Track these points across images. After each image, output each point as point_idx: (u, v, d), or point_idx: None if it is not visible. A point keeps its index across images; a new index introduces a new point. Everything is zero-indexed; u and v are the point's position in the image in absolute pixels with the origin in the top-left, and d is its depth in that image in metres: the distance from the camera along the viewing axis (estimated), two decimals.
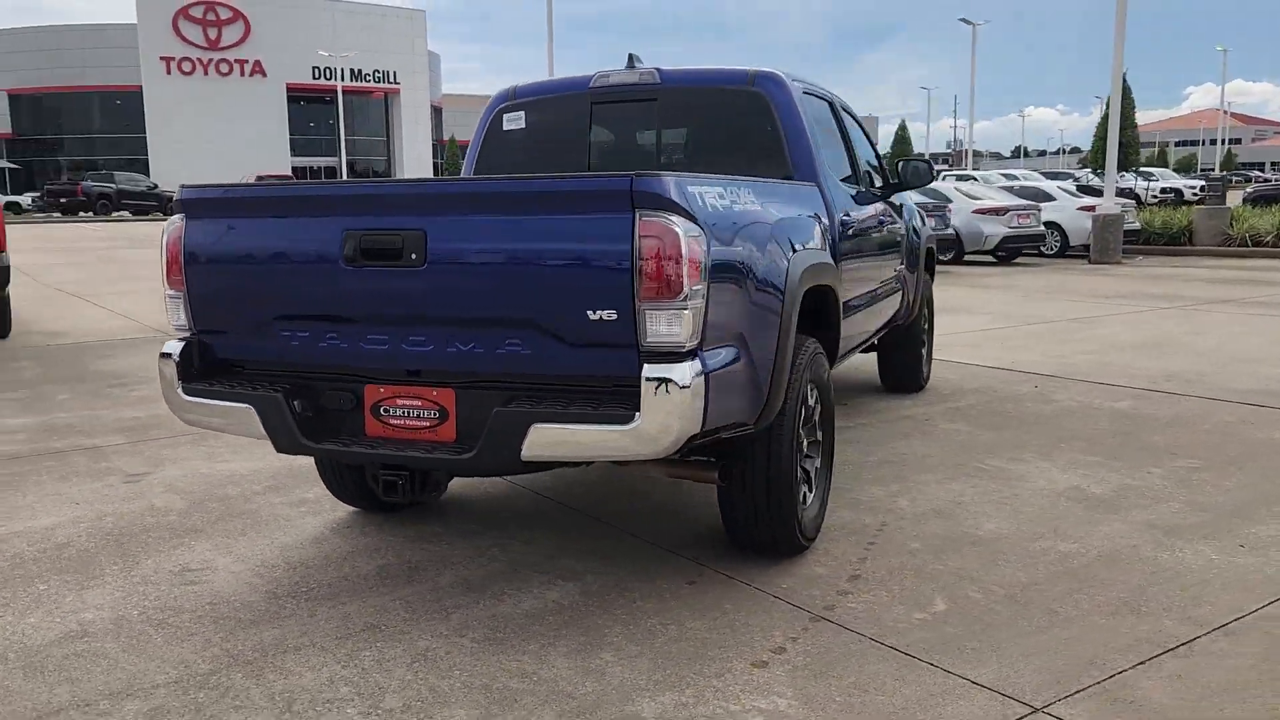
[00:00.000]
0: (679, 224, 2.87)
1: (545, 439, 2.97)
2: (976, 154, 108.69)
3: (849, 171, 5.26)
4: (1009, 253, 18.98)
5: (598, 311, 2.92)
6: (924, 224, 6.84)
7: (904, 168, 6.03)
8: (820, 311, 4.26)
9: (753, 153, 4.59)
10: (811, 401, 3.97)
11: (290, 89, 65.00)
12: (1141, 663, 3.04)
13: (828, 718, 2.76)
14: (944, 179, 23.84)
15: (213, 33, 62.97)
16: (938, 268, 8.03)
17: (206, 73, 63.07)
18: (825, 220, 4.38)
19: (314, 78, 64.74)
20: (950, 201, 18.32)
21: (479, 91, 43.38)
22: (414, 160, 69.32)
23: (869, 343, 6.17)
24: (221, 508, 4.62)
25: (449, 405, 3.18)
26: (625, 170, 4.43)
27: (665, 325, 2.89)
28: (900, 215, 6.20)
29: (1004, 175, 32.60)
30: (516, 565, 3.89)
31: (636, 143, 4.80)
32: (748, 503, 3.68)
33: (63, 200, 44.68)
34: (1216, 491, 4.67)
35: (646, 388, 2.87)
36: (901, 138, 73.27)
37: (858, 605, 3.47)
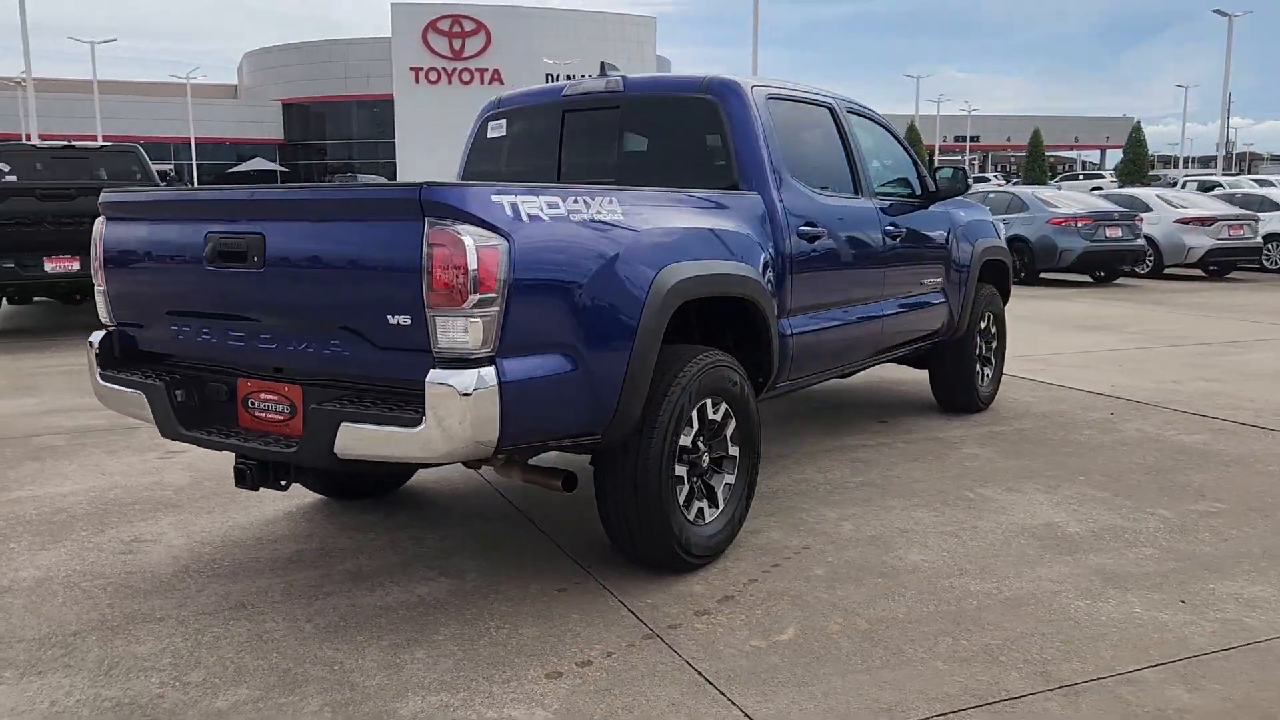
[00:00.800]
0: (468, 233, 2.92)
1: (352, 437, 3.09)
2: (1255, 157, 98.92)
3: (841, 180, 5.06)
4: (1220, 267, 17.36)
5: (396, 317, 3.01)
6: (986, 235, 6.44)
7: (939, 177, 5.76)
8: (748, 325, 4.16)
9: (701, 160, 4.53)
10: (714, 415, 3.88)
11: None
12: (942, 714, 2.81)
13: None
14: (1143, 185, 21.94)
15: (457, 44, 66.77)
16: (1132, 281, 7.53)
17: (450, 82, 66.94)
18: (766, 231, 4.26)
19: (547, 84, 67.37)
20: (1148, 209, 16.95)
21: None
22: None
23: (895, 357, 5.91)
24: (215, 486, 5.01)
25: (298, 401, 3.35)
26: (592, 177, 4.57)
27: (454, 332, 2.94)
28: (940, 226, 5.90)
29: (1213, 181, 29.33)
30: (415, 559, 4.02)
31: (600, 150, 4.82)
32: (618, 514, 3.66)
33: None
34: (1212, 540, 4.19)
35: (429, 393, 2.94)
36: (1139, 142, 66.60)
37: (704, 627, 3.38)
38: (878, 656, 3.16)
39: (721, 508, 3.98)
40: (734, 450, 4.03)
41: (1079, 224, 15.58)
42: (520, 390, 3.07)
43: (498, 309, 2.98)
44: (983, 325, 6.53)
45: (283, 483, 3.47)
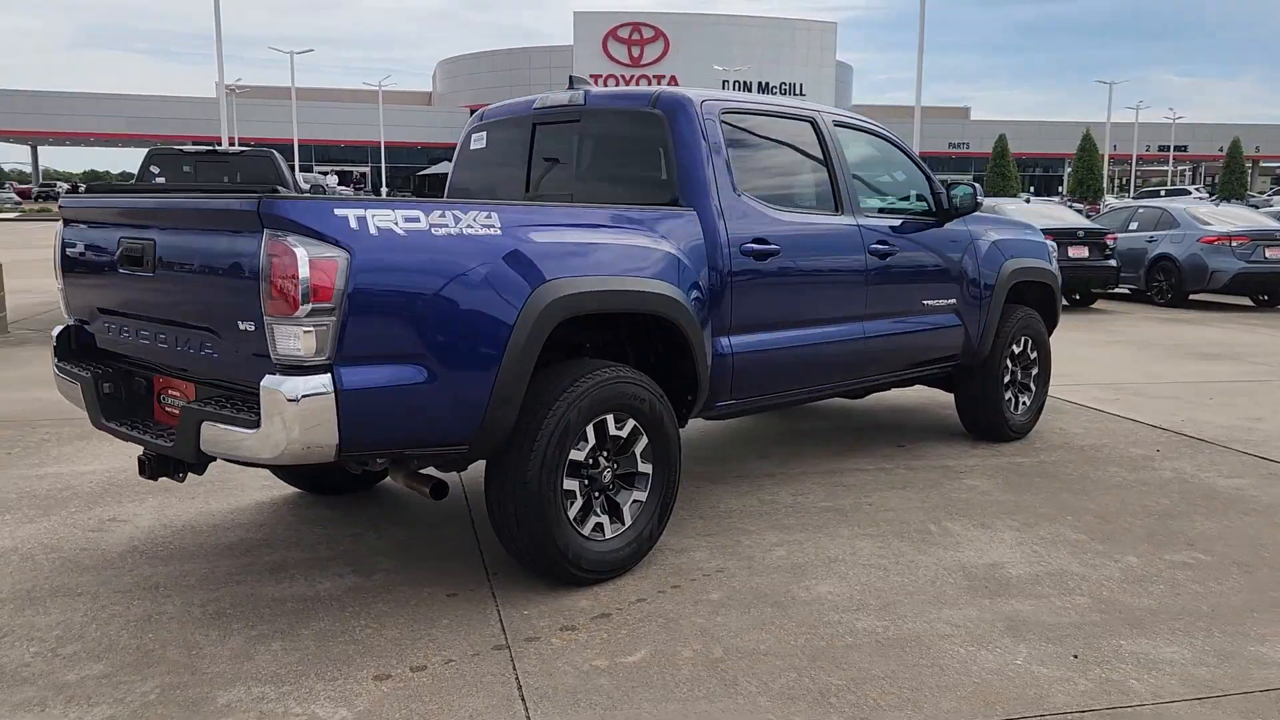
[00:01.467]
0: (302, 245, 3.04)
1: (210, 435, 3.26)
2: None
3: (816, 197, 4.94)
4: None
5: (244, 323, 3.16)
6: (1020, 256, 6.12)
7: (954, 194, 5.54)
8: (673, 342, 4.13)
9: (646, 175, 4.51)
10: (619, 431, 3.87)
11: None
12: None
13: None
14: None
15: (636, 51, 67.91)
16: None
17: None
18: (699, 248, 4.21)
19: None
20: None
21: (907, 102, 42.85)
22: None
23: (905, 379, 5.70)
24: (210, 474, 5.33)
25: (191, 398, 3.56)
26: (553, 190, 4.64)
27: (289, 340, 3.07)
28: (956, 246, 5.65)
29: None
30: (341, 556, 4.19)
31: (563, 163, 4.87)
32: (503, 525, 3.71)
33: None
34: (1163, 594, 3.86)
35: (263, 397, 3.08)
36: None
37: (559, 643, 3.39)
38: (707, 687, 3.09)
39: (628, 524, 3.96)
40: (645, 468, 4.00)
41: (1234, 243, 14.42)
42: (361, 398, 3.16)
43: (334, 319, 3.09)
44: (1016, 349, 6.20)
45: (180, 475, 3.68)
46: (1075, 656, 3.32)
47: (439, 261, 3.34)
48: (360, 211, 3.19)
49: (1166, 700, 3.03)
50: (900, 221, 5.39)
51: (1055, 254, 6.68)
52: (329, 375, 3.10)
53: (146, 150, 13.06)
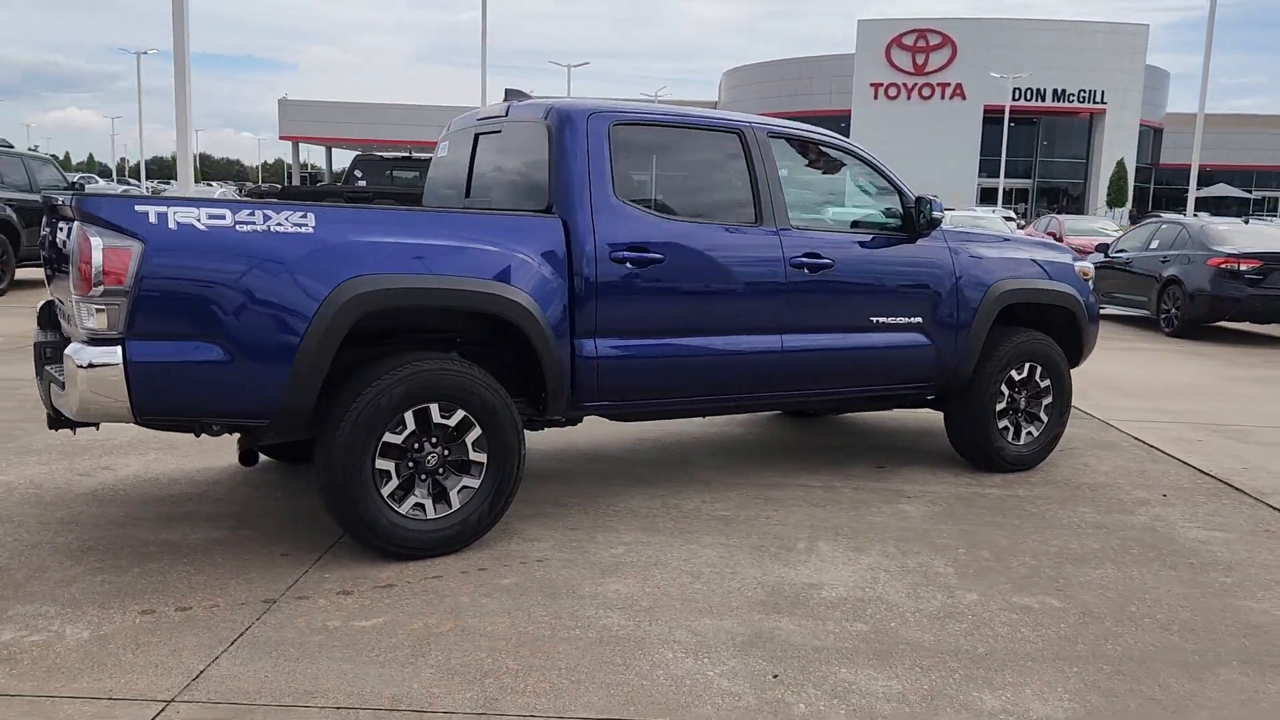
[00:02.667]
0: (99, 235, 3.58)
1: (52, 393, 3.89)
2: None
3: (732, 208, 4.98)
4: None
5: (71, 298, 3.75)
6: (1016, 275, 5.77)
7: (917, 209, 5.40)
8: (522, 344, 4.35)
9: (532, 184, 4.73)
10: (445, 420, 4.16)
11: (988, 110, 65.42)
12: (327, 707, 2.99)
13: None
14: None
15: (920, 58, 65.97)
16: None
17: (910, 97, 66.35)
18: (558, 254, 4.40)
19: (1014, 99, 64.29)
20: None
21: (1253, 110, 39.51)
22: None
23: (864, 397, 5.57)
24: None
25: None
26: (479, 195, 5.03)
27: (87, 316, 3.62)
28: (926, 262, 5.46)
29: None
30: (236, 514, 4.73)
31: (487, 171, 5.16)
32: (321, 494, 4.10)
33: None
34: (957, 632, 3.66)
35: (64, 363, 3.65)
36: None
37: (324, 603, 3.74)
38: (397, 654, 3.34)
39: (455, 508, 4.24)
40: (478, 456, 4.26)
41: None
42: (150, 370, 3.66)
43: (126, 299, 3.60)
44: (1016, 375, 5.84)
45: (72, 428, 4.31)
46: (775, 676, 3.28)
47: (240, 255, 3.77)
48: (161, 208, 3.69)
49: None
50: (849, 235, 5.29)
51: (1084, 276, 6.20)
52: (119, 348, 3.62)
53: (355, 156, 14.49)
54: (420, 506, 4.19)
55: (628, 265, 4.56)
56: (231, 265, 3.77)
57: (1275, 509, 5.35)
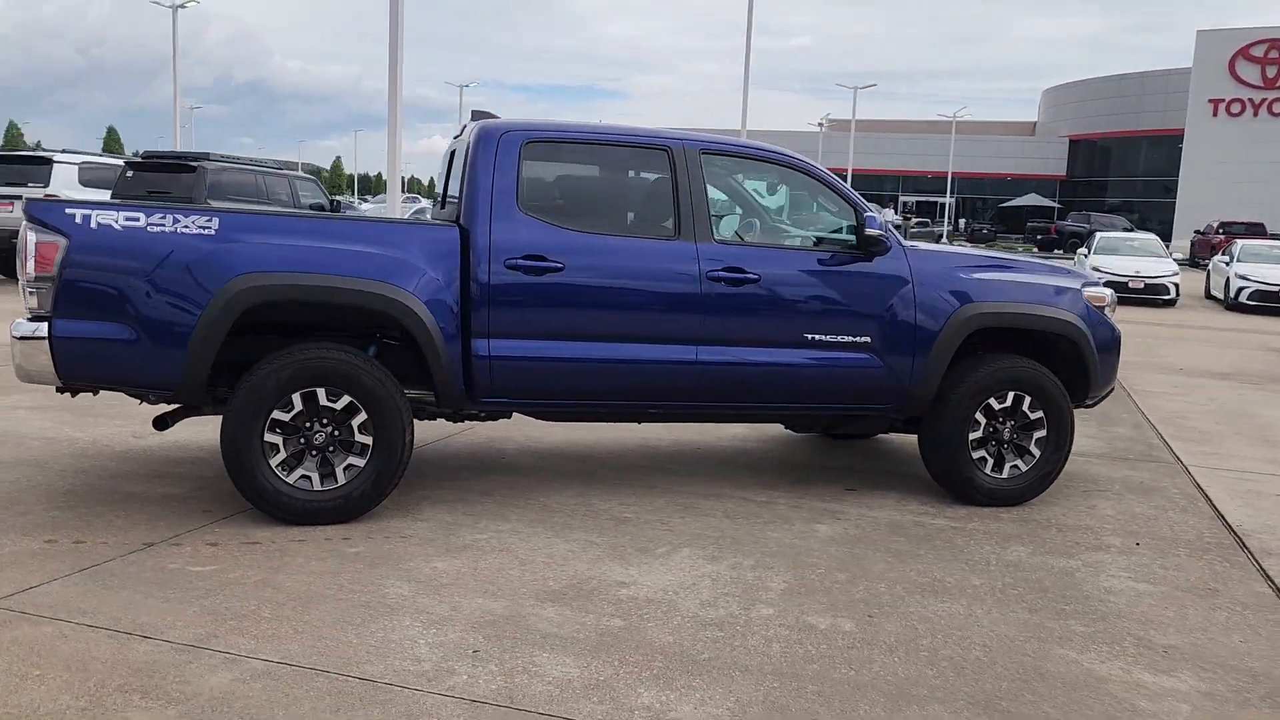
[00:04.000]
0: (34, 232, 4.42)
1: None
2: None
3: (651, 221, 5.18)
4: None
5: (20, 284, 4.63)
6: (995, 298, 5.48)
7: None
8: (408, 339, 4.81)
9: (454, 196, 5.16)
10: (331, 403, 4.69)
11: None
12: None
13: None
14: None
15: (1271, 71, 59.26)
16: None
17: (1255, 114, 59.73)
18: (451, 260, 4.82)
19: None
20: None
21: None
22: None
23: (803, 413, 5.55)
24: None
25: None
26: (454, 211, 5.59)
27: (28, 298, 4.48)
28: (877, 281, 5.34)
29: None
30: (170, 499, 5.47)
31: (454, 185, 5.62)
32: (224, 460, 4.74)
33: (1038, 238, 49.55)
34: (709, 639, 3.69)
35: (9, 334, 4.52)
36: None
37: (188, 549, 4.37)
38: (174, 591, 3.88)
39: (340, 483, 4.76)
40: (364, 438, 4.76)
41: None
42: (70, 343, 4.47)
43: (52, 285, 4.43)
44: (996, 404, 5.52)
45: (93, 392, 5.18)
46: (475, 651, 3.50)
47: (148, 252, 4.50)
48: (86, 211, 4.49)
49: (453, 694, 3.17)
50: (787, 251, 5.30)
51: (1096, 304, 5.73)
52: (44, 324, 4.45)
53: None
54: (307, 479, 4.74)
55: (521, 273, 4.89)
56: (141, 260, 4.50)
57: (1257, 568, 4.74)
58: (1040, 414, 5.59)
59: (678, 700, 3.23)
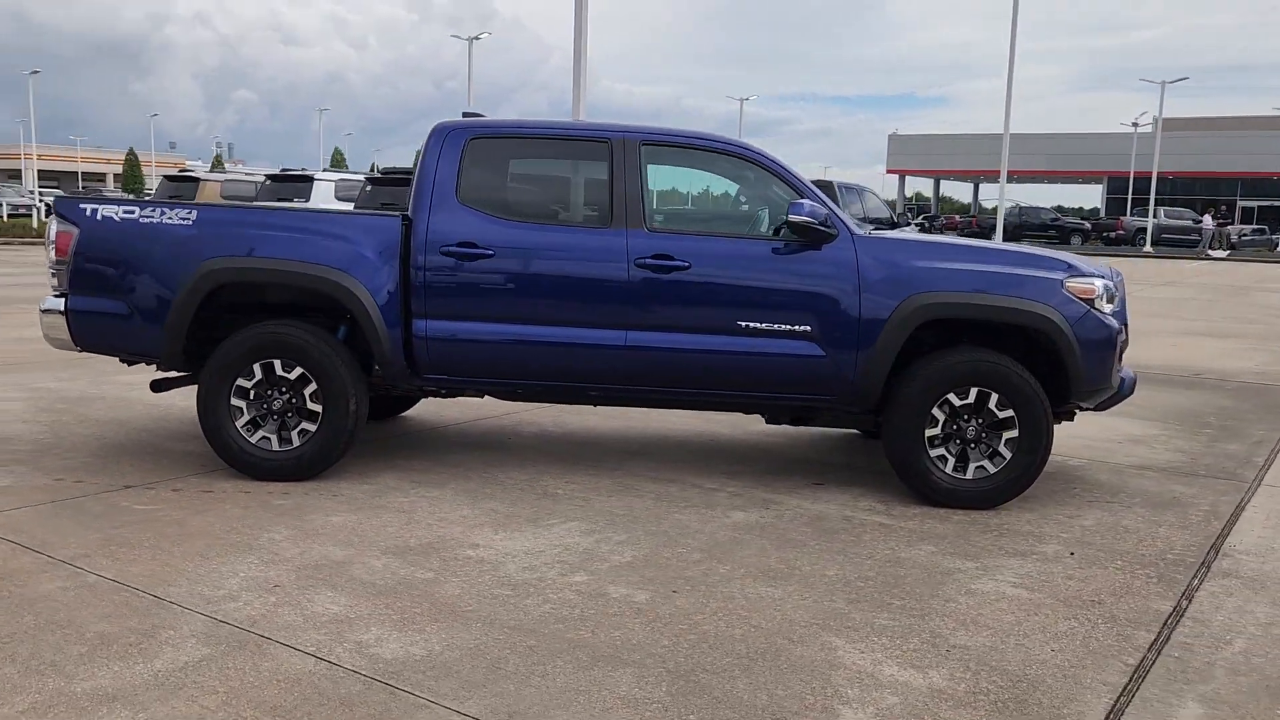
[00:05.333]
0: (56, 223, 5.37)
1: None
2: None
3: (585, 211, 5.40)
4: None
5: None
6: (951, 288, 5.21)
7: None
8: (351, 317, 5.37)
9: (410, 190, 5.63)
10: (285, 373, 5.32)
11: None
12: None
13: None
14: None
15: None
16: None
17: None
18: (391, 246, 5.30)
19: None
20: None
21: None
22: None
23: (737, 402, 5.56)
24: None
25: None
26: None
27: (51, 277, 5.45)
28: (820, 271, 5.27)
29: None
30: (184, 453, 6.30)
31: None
32: (199, 421, 5.48)
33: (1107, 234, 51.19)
34: (492, 600, 3.93)
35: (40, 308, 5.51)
36: None
37: (158, 492, 5.14)
38: (103, 522, 4.61)
39: (295, 445, 5.38)
40: (315, 406, 5.36)
41: None
42: (80, 316, 5.38)
43: (69, 267, 5.35)
44: (958, 400, 5.25)
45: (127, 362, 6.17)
46: (275, 587, 3.94)
47: (139, 240, 5.33)
48: (94, 205, 5.38)
49: (211, 614, 3.63)
50: (725, 240, 5.36)
51: (1082, 295, 5.26)
52: (63, 300, 5.39)
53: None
54: (268, 439, 5.38)
55: (454, 259, 5.28)
56: (133, 246, 5.33)
57: (1185, 588, 4.25)
58: (1010, 413, 5.24)
59: (393, 639, 3.50)
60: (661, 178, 5.89)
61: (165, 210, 5.39)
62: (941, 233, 64.26)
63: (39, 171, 73.86)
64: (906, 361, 5.32)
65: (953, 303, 5.23)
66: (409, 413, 7.24)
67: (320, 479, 5.41)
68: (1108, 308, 5.37)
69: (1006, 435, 5.26)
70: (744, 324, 5.28)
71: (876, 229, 15.36)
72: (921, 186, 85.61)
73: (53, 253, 5.40)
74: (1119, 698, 3.26)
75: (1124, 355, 5.71)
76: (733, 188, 5.71)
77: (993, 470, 5.29)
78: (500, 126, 5.58)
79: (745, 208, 5.89)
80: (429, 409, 7.34)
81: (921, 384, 5.23)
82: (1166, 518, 5.28)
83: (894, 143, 78.22)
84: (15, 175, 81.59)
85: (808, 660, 3.44)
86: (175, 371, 5.72)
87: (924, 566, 4.42)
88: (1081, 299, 5.27)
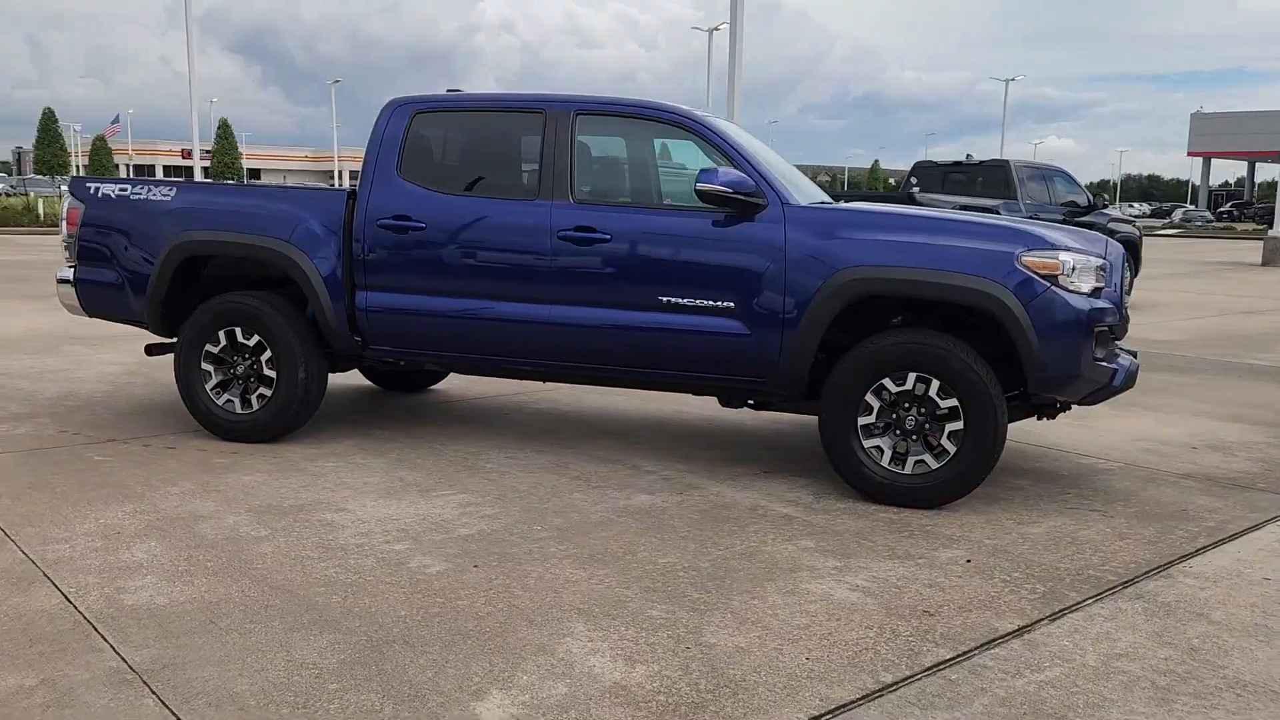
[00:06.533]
0: (68, 200, 5.95)
1: None
2: None
3: (516, 183, 5.36)
4: None
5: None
6: (857, 264, 4.72)
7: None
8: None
9: None
10: (246, 340, 5.63)
11: None
12: None
13: None
14: None
15: None
16: None
17: None
18: (335, 218, 5.47)
19: None
20: None
21: None
22: None
23: (665, 381, 5.32)
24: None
25: None
26: None
27: (64, 250, 6.04)
28: (747, 245, 4.94)
29: None
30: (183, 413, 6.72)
31: None
32: (176, 383, 5.88)
33: None
34: (349, 574, 4.00)
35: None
36: None
37: (137, 451, 5.60)
38: (77, 468, 5.07)
39: (254, 409, 5.68)
40: (270, 373, 5.64)
41: None
42: (85, 285, 5.92)
43: (77, 241, 5.92)
44: (894, 387, 4.74)
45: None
46: (116, 534, 4.18)
47: (129, 215, 5.79)
48: (98, 184, 5.91)
49: (29, 556, 3.92)
50: (651, 212, 5.14)
51: (1043, 270, 4.59)
52: (72, 270, 5.96)
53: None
54: (232, 403, 5.71)
55: (390, 233, 5.38)
56: (125, 221, 5.81)
57: (1077, 604, 3.65)
58: (954, 402, 4.69)
59: (153, 588, 3.62)
60: (613, 148, 5.72)
61: (152, 188, 5.83)
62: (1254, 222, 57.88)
63: (350, 173, 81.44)
64: (853, 344, 4.89)
65: (880, 278, 4.73)
66: (438, 386, 7.43)
67: (284, 442, 5.68)
68: (1082, 285, 4.67)
69: (950, 427, 4.71)
70: (666, 299, 5.03)
71: (1071, 215, 14.32)
72: (1236, 170, 77.57)
73: (64, 228, 5.98)
74: (822, 716, 2.85)
75: (1122, 340, 4.98)
76: (679, 157, 5.43)
77: (935, 466, 4.75)
78: (443, 101, 5.60)
79: (684, 178, 5.59)
80: (458, 384, 7.50)
81: (849, 366, 4.78)
82: (1142, 532, 4.53)
83: (1197, 121, 71.10)
84: (327, 176, 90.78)
85: (522, 644, 3.25)
86: (164, 338, 6.17)
87: (774, 562, 4.04)
88: (1041, 275, 4.61)
